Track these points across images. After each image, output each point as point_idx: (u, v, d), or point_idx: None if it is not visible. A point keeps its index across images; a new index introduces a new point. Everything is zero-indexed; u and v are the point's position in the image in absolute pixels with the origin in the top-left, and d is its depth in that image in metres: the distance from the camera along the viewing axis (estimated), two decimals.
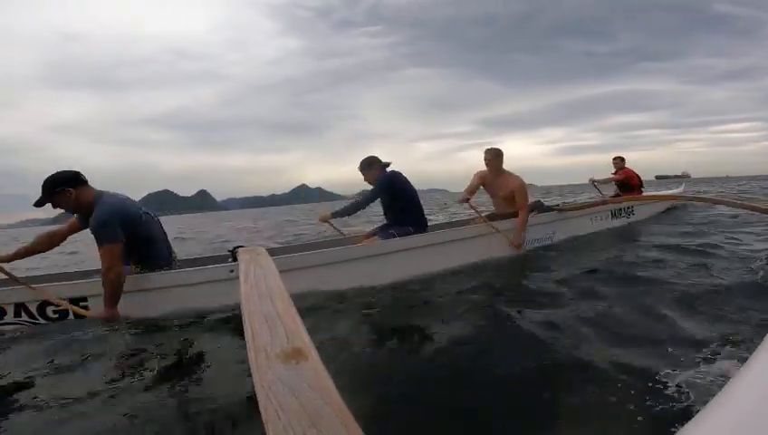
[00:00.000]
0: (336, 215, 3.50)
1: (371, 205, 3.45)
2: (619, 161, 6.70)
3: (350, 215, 3.52)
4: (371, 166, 3.41)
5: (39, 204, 2.35)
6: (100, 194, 2.41)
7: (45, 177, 2.35)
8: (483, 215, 3.80)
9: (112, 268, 2.26)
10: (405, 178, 3.47)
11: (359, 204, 3.38)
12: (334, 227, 3.67)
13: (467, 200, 3.64)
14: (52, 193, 2.31)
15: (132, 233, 2.39)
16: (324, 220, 3.55)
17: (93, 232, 2.29)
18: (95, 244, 2.33)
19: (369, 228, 3.82)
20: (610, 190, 6.82)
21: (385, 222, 3.56)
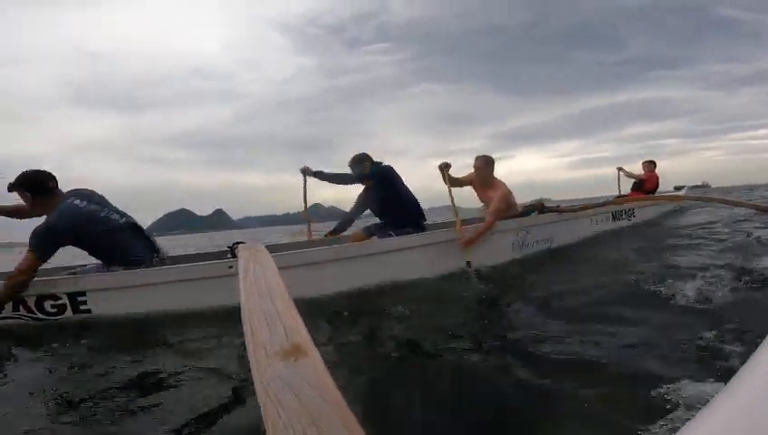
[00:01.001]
0: (319, 175, 3.43)
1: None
2: (647, 164, 7.10)
3: (333, 182, 3.40)
4: (362, 163, 3.31)
5: (9, 189, 2.41)
6: (63, 200, 2.41)
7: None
8: (478, 217, 3.83)
9: (25, 275, 2.23)
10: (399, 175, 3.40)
11: (347, 178, 3.29)
12: (304, 181, 3.69)
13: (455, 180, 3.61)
14: (17, 186, 2.38)
15: (90, 232, 2.40)
16: (305, 172, 3.59)
17: (30, 238, 2.28)
18: None
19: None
20: (627, 187, 7.32)
21: (380, 222, 3.51)
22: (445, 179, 3.55)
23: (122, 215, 2.61)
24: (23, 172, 2.39)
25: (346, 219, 3.72)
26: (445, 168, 3.57)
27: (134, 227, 2.65)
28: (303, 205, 4.05)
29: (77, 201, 2.43)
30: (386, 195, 3.33)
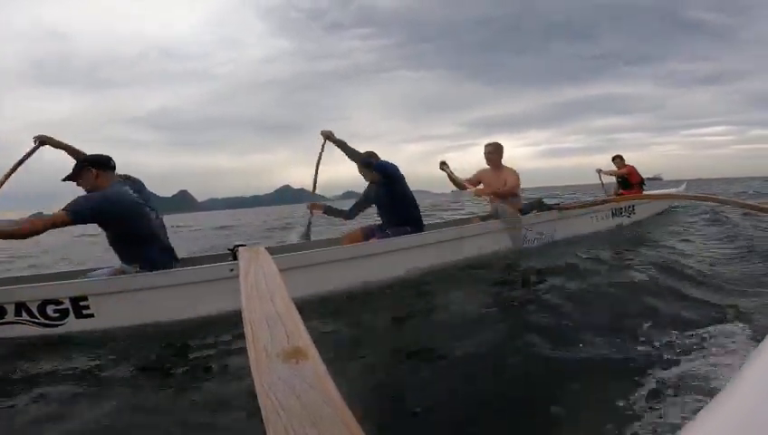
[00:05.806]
0: (340, 143, 3.27)
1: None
2: (619, 160, 6.99)
3: (347, 153, 3.25)
4: (370, 164, 3.26)
5: (66, 179, 2.44)
6: (116, 182, 2.46)
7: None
8: (479, 215, 3.88)
9: (46, 226, 2.15)
10: None
11: (358, 155, 3.20)
12: (322, 147, 3.48)
13: (469, 186, 3.80)
14: (79, 169, 2.40)
15: (129, 226, 2.39)
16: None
17: (73, 201, 2.27)
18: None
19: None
20: (610, 186, 7.15)
21: (379, 222, 3.48)
22: (451, 178, 3.94)
23: (157, 215, 2.59)
24: (86, 155, 2.51)
25: (350, 211, 3.60)
26: (444, 166, 3.99)
27: (163, 228, 2.63)
28: (313, 176, 3.71)
29: (127, 187, 2.47)
30: (392, 193, 3.30)
